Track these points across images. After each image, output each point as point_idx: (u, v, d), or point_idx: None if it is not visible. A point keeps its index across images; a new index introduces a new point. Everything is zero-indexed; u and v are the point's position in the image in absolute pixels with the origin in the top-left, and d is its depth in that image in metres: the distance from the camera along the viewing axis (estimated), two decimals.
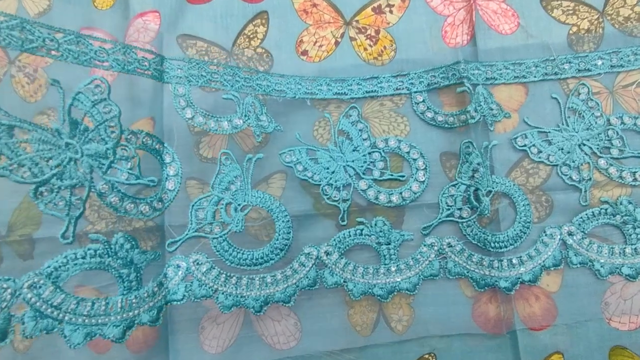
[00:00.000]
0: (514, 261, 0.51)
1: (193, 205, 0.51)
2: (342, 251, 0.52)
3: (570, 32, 0.57)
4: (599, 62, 0.55)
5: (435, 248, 0.51)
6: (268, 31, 0.58)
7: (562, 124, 0.54)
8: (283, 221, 0.52)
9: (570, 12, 0.57)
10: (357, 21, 0.58)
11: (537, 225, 0.52)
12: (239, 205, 0.52)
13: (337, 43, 0.57)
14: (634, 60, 0.55)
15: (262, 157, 0.53)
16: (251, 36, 0.57)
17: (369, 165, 0.53)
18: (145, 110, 0.52)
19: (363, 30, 0.58)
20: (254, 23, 0.58)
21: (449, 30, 0.57)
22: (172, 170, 0.51)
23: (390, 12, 0.58)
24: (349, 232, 0.52)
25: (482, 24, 0.57)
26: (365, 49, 0.57)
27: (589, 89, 0.55)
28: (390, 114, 0.55)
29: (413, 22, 0.58)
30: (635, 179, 0.52)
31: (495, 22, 0.58)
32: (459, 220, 0.52)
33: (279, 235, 0.52)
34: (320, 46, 0.57)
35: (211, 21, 0.58)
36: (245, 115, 0.54)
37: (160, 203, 0.50)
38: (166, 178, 0.50)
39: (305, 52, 0.57)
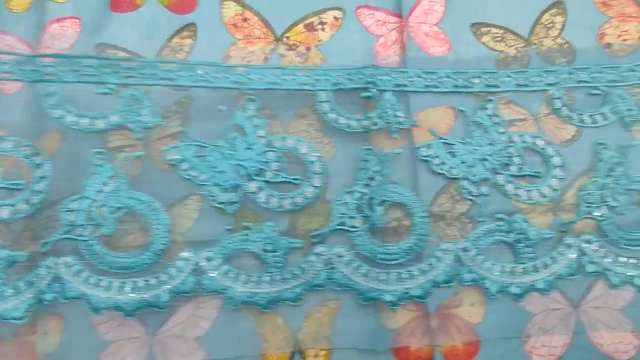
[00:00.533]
0: (404, 275, 0.49)
1: (62, 208, 0.47)
2: (225, 257, 0.48)
3: (499, 58, 0.56)
4: (506, 79, 0.55)
5: (324, 257, 0.49)
6: (195, 44, 0.54)
7: (467, 138, 0.53)
8: (161, 224, 0.48)
9: (499, 39, 0.57)
10: (287, 37, 0.55)
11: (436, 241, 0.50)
12: (112, 207, 0.47)
13: (266, 59, 0.54)
14: (538, 81, 0.55)
15: (141, 156, 0.49)
16: (177, 49, 0.53)
17: (262, 165, 0.50)
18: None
19: (294, 47, 0.55)
20: (181, 35, 0.54)
21: (381, 51, 0.55)
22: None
23: (323, 29, 0.56)
24: (235, 237, 0.48)
25: (413, 45, 0.56)
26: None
27: (495, 104, 0.54)
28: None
29: (345, 41, 0.56)
30: (530, 198, 0.51)
31: (426, 45, 0.56)
32: (350, 229, 0.49)
33: (156, 238, 0.47)
34: (249, 62, 0.53)
35: (135, 30, 0.54)
36: (124, 111, 0.50)
37: (27, 205, 0.46)
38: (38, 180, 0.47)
39: None
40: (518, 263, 0.50)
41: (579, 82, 0.55)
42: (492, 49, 0.57)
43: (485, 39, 0.57)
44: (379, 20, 0.57)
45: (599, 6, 0.59)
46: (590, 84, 0.55)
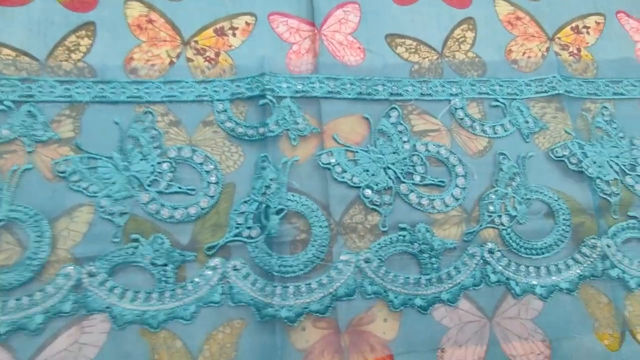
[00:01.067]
0: (302, 289, 0.46)
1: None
2: (110, 271, 0.44)
3: (413, 69, 0.57)
4: (410, 88, 0.55)
5: (220, 271, 0.46)
6: (94, 44, 0.52)
7: (371, 145, 0.52)
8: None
9: (413, 50, 0.58)
10: (196, 41, 0.54)
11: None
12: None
13: (171, 63, 0.52)
14: (441, 90, 0.56)
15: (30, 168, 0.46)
16: (72, 48, 0.51)
17: (156, 176, 0.47)
18: None
19: (202, 52, 0.54)
20: (77, 34, 0.52)
21: (294, 58, 0.55)
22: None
23: (234, 35, 0.55)
24: (122, 250, 0.45)
25: (326, 53, 0.56)
26: (202, 71, 0.52)
27: (399, 112, 0.54)
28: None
29: (256, 47, 0.55)
30: (433, 207, 0.50)
31: (340, 53, 0.56)
32: (247, 240, 0.47)
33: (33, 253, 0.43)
34: (153, 65, 0.52)
35: (25, 27, 0.51)
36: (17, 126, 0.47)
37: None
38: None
39: (134, 70, 0.51)
40: (422, 274, 0.49)
41: (480, 93, 0.56)
42: (406, 59, 0.58)
43: (400, 50, 0.58)
44: (292, 28, 0.57)
45: (505, 24, 0.62)
46: (491, 96, 0.57)
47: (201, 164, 0.49)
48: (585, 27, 0.63)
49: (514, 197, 0.52)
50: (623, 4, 0.65)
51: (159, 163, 0.48)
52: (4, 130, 0.47)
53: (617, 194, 0.54)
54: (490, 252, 0.50)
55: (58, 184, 0.46)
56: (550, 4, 0.63)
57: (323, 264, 0.47)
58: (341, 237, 0.48)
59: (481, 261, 0.49)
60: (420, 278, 0.48)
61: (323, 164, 0.50)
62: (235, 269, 0.45)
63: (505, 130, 0.55)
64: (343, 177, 0.50)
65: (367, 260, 0.48)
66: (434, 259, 0.49)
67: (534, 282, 0.50)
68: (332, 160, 0.50)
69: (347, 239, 0.48)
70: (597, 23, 0.64)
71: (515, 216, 0.51)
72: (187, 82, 0.52)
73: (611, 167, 0.55)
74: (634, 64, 0.62)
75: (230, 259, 0.46)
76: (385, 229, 0.49)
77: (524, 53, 0.60)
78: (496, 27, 0.61)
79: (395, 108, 0.54)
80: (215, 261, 0.46)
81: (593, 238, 0.52)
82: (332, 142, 0.51)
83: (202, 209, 0.47)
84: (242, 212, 0.47)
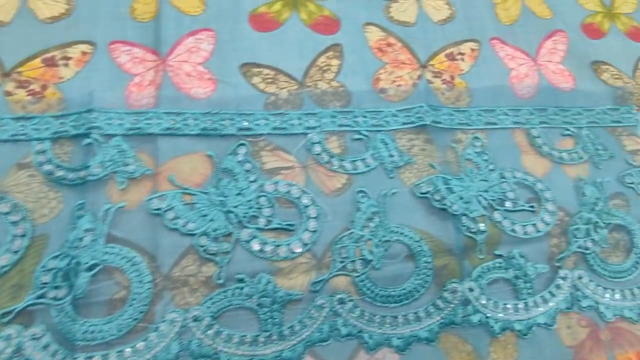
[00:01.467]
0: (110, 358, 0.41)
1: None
2: None
3: (268, 100, 0.52)
4: (262, 122, 0.51)
5: (14, 342, 0.39)
6: None
7: (212, 187, 0.47)
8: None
9: (270, 80, 0.53)
10: (19, 72, 0.48)
11: None
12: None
13: None
14: (297, 124, 0.52)
15: None
16: None
17: None
18: None
19: (25, 84, 0.47)
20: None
21: (135, 91, 0.50)
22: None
23: (66, 65, 0.49)
24: None
25: (169, 85, 0.51)
26: (23, 107, 0.47)
27: (248, 149, 0.49)
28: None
29: (91, 79, 0.49)
30: (277, 254, 0.45)
31: (187, 85, 0.51)
32: (51, 303, 0.40)
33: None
34: None
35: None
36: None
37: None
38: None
39: None
40: (262, 331, 0.43)
41: (341, 125, 0.53)
42: (262, 90, 0.53)
43: (256, 80, 0.54)
44: (136, 58, 0.52)
45: (375, 52, 0.59)
46: (354, 129, 0.53)
47: (7, 213, 0.43)
48: (460, 53, 0.61)
49: (370, 239, 0.48)
50: (498, 31, 0.64)
51: None
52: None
53: (484, 231, 0.51)
54: (341, 302, 0.45)
55: None
56: (425, 30, 0.61)
57: (142, 325, 0.41)
58: (168, 293, 0.43)
59: (330, 313, 0.45)
60: (258, 335, 0.43)
61: (153, 209, 0.45)
62: (34, 338, 0.39)
63: (367, 166, 0.51)
64: (175, 224, 0.44)
65: (196, 319, 0.42)
66: (275, 313, 0.44)
67: (390, 333, 0.46)
68: (163, 205, 0.45)
69: (177, 294, 0.43)
70: (472, 50, 0.61)
71: (371, 261, 0.47)
72: (3, 119, 0.46)
73: (479, 202, 0.52)
74: (507, 92, 0.60)
75: (30, 326, 0.40)
76: (221, 281, 0.44)
77: (393, 81, 0.57)
78: (365, 54, 0.57)
79: (244, 144, 0.49)
80: (10, 331, 0.39)
81: (454, 282, 0.48)
82: (167, 184, 0.46)
83: (2, 267, 0.41)
84: (50, 269, 0.41)
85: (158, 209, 0.45)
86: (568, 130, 0.61)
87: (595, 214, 0.56)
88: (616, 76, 0.67)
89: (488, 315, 0.48)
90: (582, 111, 0.63)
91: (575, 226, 0.55)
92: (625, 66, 0.68)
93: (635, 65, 0.69)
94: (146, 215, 0.45)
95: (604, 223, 0.56)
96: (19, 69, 0.49)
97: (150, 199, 0.45)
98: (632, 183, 0.60)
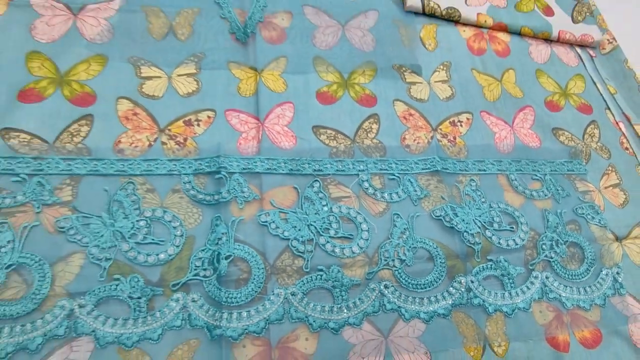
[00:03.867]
0: (243, 315, 0.61)
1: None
2: (96, 303, 0.58)
3: (332, 151, 0.77)
4: (328, 166, 0.75)
5: (181, 303, 0.60)
6: (91, 130, 0.69)
7: (298, 208, 0.70)
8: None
9: (332, 137, 0.78)
10: (169, 129, 0.72)
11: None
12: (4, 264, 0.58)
13: (150, 145, 0.70)
14: (352, 167, 0.76)
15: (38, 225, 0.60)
16: (74, 133, 0.68)
17: (135, 231, 0.63)
18: None
19: (174, 137, 0.72)
20: (78, 123, 0.69)
21: (242, 143, 0.74)
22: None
23: (198, 125, 0.74)
24: (105, 286, 0.59)
25: (267, 140, 0.75)
26: (173, 152, 0.71)
27: (320, 184, 0.73)
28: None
29: (215, 135, 0.73)
30: (343, 254, 0.68)
31: (278, 140, 0.76)
32: (202, 279, 0.62)
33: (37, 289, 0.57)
34: (136, 146, 0.70)
35: (38, 118, 0.68)
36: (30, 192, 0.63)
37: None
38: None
39: (121, 151, 0.68)
40: (335, 304, 0.65)
41: (381, 169, 0.77)
42: (327, 144, 0.78)
43: (323, 137, 0.79)
44: (242, 121, 0.77)
45: (401, 119, 0.84)
46: (389, 172, 0.77)
47: (170, 221, 0.65)
48: (459, 121, 0.87)
49: (404, 246, 0.71)
50: (485, 106, 0.90)
51: (137, 221, 0.64)
52: (19, 196, 0.62)
53: (479, 243, 0.74)
54: (386, 287, 0.67)
55: (58, 237, 0.61)
56: (435, 105, 0.87)
57: (259, 296, 0.63)
58: (274, 276, 0.65)
59: (379, 294, 0.67)
60: (333, 307, 0.65)
61: (262, 222, 0.68)
62: (193, 301, 0.61)
63: (399, 197, 0.75)
64: (277, 232, 0.67)
65: (293, 294, 0.64)
66: (343, 293, 0.66)
67: (419, 309, 0.67)
68: (269, 219, 0.68)
69: (279, 278, 0.65)
70: (467, 119, 0.87)
71: (405, 260, 0.70)
72: (161, 160, 0.69)
73: (475, 223, 0.75)
74: (492, 149, 0.85)
75: (189, 293, 0.61)
76: (307, 270, 0.66)
77: (414, 140, 0.82)
78: (394, 121, 0.83)
79: (318, 180, 0.73)
80: (178, 295, 0.61)
81: (461, 276, 0.70)
82: (269, 205, 0.70)
83: (169, 255, 0.63)
84: (200, 258, 0.63)
85: (265, 222, 0.68)
86: (536, 175, 0.85)
87: (556, 234, 0.79)
88: (570, 139, 0.92)
89: (484, 299, 0.70)
90: (546, 163, 0.88)
91: (543, 242, 0.77)
92: (577, 131, 0.94)
93: (584, 130, 0.95)
94: (257, 226, 0.68)
95: (562, 241, 0.79)
96: (169, 127, 0.73)
97: (259, 215, 0.68)
98: (582, 214, 0.83)
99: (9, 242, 0.59)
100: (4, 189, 0.62)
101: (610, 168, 0.91)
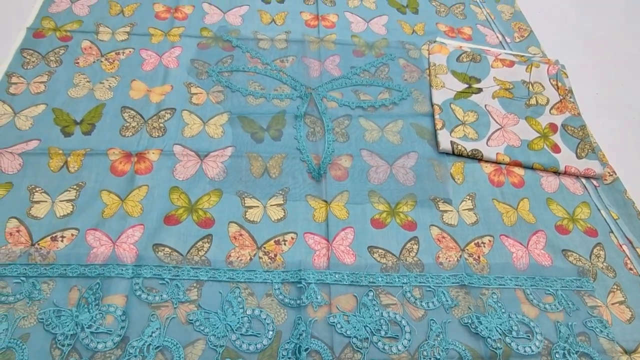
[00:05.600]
0: None
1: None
2: None
3: (382, 267, 1.00)
4: (379, 279, 0.97)
5: None
6: (210, 247, 0.98)
7: (357, 312, 0.92)
8: (179, 357, 0.83)
9: (382, 256, 1.02)
10: (264, 247, 1.00)
11: None
12: (153, 345, 0.82)
13: (251, 259, 0.98)
14: (397, 281, 0.98)
15: (174, 317, 0.86)
16: (199, 248, 0.98)
17: (240, 325, 0.86)
18: None
19: (267, 253, 0.99)
20: (202, 241, 0.99)
21: (316, 259, 1.00)
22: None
23: (285, 244, 1.01)
24: None
25: (334, 257, 1.01)
26: (267, 264, 0.97)
27: (374, 293, 0.95)
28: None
29: (296, 252, 1.00)
30: (391, 350, 0.88)
31: (342, 257, 1.01)
32: None
33: None
34: (241, 260, 0.97)
35: (176, 236, 0.99)
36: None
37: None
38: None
39: (231, 262, 0.97)
40: None
41: (420, 282, 0.99)
42: (378, 261, 1.02)
43: (375, 255, 1.03)
44: (316, 241, 1.03)
45: (436, 241, 1.07)
46: (426, 285, 0.99)
47: (265, 319, 0.88)
48: (482, 243, 1.09)
49: (438, 346, 0.90)
50: (504, 230, 1.12)
51: (242, 317, 0.88)
52: (164, 294, 0.89)
53: (500, 348, 0.92)
54: None
55: (188, 327, 0.87)
56: (463, 229, 1.11)
57: None
58: None
59: None
60: None
61: (330, 322, 0.91)
62: None
63: (434, 305, 0.96)
64: (341, 330, 0.90)
65: None
66: None
67: None
68: (335, 320, 0.90)
69: None
70: (489, 241, 1.09)
71: (439, 358, 0.88)
72: (258, 271, 0.95)
73: (497, 330, 0.94)
74: (511, 267, 1.06)
75: None
76: None
77: (446, 258, 1.04)
78: (430, 242, 1.07)
79: (372, 290, 0.96)
80: None
81: None
82: (336, 309, 0.93)
83: (264, 345, 0.86)
84: (286, 349, 0.86)
85: (333, 322, 0.91)
86: (549, 290, 1.04)
87: (568, 344, 0.95)
88: (578, 259, 1.11)
89: None
90: (557, 279, 1.06)
91: (556, 350, 0.94)
92: (584, 252, 1.12)
93: (591, 251, 1.13)
94: (327, 325, 0.91)
95: (574, 350, 0.94)
96: (264, 245, 1.01)
97: (329, 317, 0.91)
98: (592, 327, 0.99)
99: (157, 329, 0.85)
100: (154, 288, 0.90)
101: (615, 286, 1.07)
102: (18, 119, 1.14)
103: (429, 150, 1.25)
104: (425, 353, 0.90)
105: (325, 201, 1.10)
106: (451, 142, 1.25)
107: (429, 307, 0.96)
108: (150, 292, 0.90)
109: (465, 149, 1.24)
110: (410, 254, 1.05)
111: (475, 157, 1.25)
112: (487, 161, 1.26)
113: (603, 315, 1.02)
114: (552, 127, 1.34)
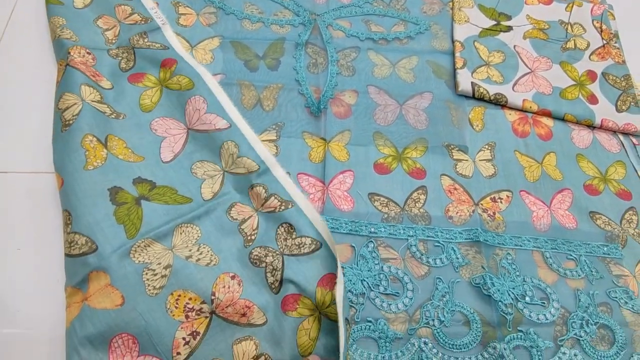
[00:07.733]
0: None
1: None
2: None
3: (383, 217, 0.88)
4: (382, 229, 0.86)
5: None
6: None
7: (354, 264, 0.81)
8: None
9: (385, 204, 0.90)
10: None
11: None
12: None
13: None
14: (402, 232, 0.87)
15: None
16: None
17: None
18: None
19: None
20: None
21: (310, 203, 0.86)
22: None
23: None
24: None
25: (329, 202, 0.89)
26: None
27: (374, 244, 0.84)
28: None
29: None
30: (390, 309, 0.78)
31: (338, 203, 0.89)
32: None
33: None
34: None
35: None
36: None
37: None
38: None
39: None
40: (379, 352, 0.74)
41: (427, 236, 0.87)
42: (380, 210, 0.90)
43: (377, 203, 0.90)
44: (311, 183, 0.90)
45: (447, 192, 0.95)
46: (434, 239, 0.87)
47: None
48: (499, 198, 0.96)
49: (443, 308, 0.79)
50: (525, 186, 0.99)
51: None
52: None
53: (511, 313, 0.81)
54: (425, 343, 0.76)
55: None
56: (478, 182, 0.97)
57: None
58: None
59: (418, 349, 0.76)
60: (377, 355, 0.74)
61: None
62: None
63: (442, 263, 0.85)
64: None
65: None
66: (387, 344, 0.75)
67: None
68: None
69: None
70: (507, 196, 0.97)
71: (444, 321, 0.78)
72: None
73: (509, 294, 0.83)
74: (529, 226, 0.93)
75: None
76: (358, 320, 0.76)
77: (457, 212, 0.92)
78: (440, 194, 0.94)
79: (372, 241, 0.84)
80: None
81: (495, 342, 0.77)
82: None
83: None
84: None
85: None
86: (571, 255, 0.92)
87: (587, 314, 0.85)
88: (607, 223, 0.99)
89: None
90: (581, 244, 0.94)
91: (573, 320, 0.83)
92: (614, 216, 1.00)
93: (622, 216, 1.01)
94: None
95: (593, 321, 0.84)
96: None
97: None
98: (615, 297, 0.88)
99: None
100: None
101: None
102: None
103: (445, 91, 1.10)
104: (428, 314, 0.79)
105: (324, 139, 0.97)
106: (472, 83, 1.09)
107: (435, 264, 0.85)
108: None
109: (488, 92, 1.09)
110: (417, 204, 0.92)
111: (499, 102, 1.10)
112: (511, 108, 1.10)
113: (629, 285, 0.90)
114: (591, 75, 1.18)
